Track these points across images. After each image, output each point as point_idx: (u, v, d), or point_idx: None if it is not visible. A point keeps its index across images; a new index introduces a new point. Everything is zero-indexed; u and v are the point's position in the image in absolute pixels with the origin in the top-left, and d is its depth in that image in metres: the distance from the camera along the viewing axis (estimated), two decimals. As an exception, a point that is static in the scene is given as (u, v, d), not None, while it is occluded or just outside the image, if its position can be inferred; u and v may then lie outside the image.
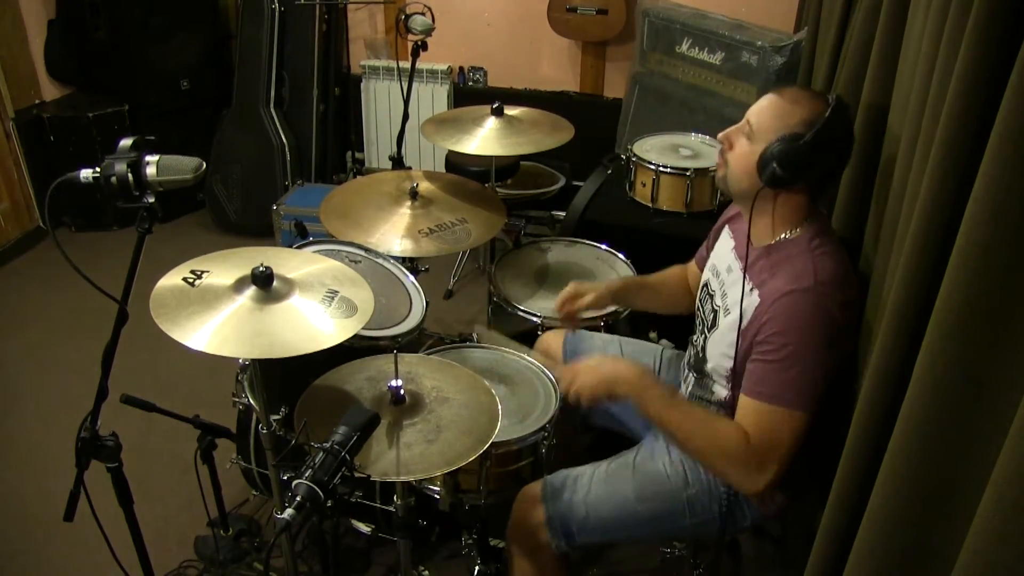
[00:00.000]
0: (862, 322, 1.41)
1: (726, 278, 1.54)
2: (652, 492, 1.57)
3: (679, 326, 1.87)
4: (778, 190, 1.39)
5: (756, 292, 1.41)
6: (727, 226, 1.65)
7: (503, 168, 3.20)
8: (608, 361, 1.52)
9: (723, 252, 1.61)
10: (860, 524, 1.10)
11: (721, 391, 1.52)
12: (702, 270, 1.72)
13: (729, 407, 1.48)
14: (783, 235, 1.43)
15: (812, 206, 1.43)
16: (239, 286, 1.43)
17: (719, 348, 1.48)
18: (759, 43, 2.87)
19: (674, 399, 1.45)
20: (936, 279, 0.97)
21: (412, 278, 2.14)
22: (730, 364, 1.46)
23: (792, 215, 1.43)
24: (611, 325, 2.05)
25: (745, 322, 1.40)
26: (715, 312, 1.54)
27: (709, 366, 1.53)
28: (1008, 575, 0.75)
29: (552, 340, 1.97)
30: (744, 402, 1.38)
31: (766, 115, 1.40)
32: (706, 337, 1.56)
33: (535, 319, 2.06)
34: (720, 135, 1.50)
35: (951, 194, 0.98)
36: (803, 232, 1.42)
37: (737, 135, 1.45)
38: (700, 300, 1.65)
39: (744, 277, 1.45)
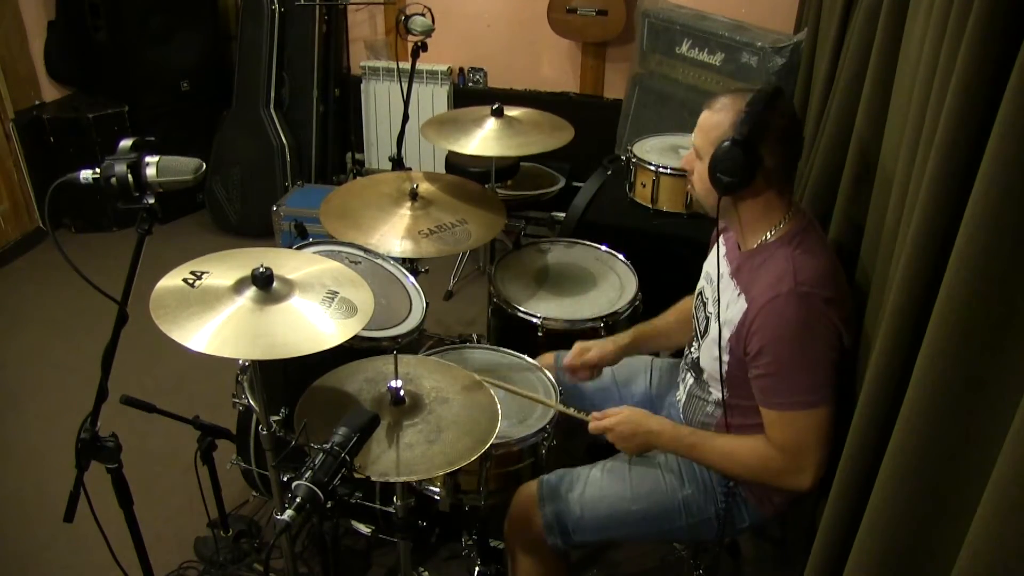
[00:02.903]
0: (862, 322, 1.41)
1: (718, 285, 1.55)
2: (647, 492, 1.58)
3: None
4: (739, 194, 1.42)
5: (743, 297, 1.42)
6: (722, 235, 1.67)
7: (503, 169, 3.20)
8: (640, 420, 1.55)
9: (716, 259, 1.62)
10: (860, 524, 1.10)
11: (717, 393, 1.54)
12: None
13: (724, 407, 1.52)
14: (765, 235, 1.45)
15: (785, 200, 1.44)
16: (239, 287, 1.42)
17: (711, 353, 1.50)
18: (759, 44, 2.87)
19: (703, 443, 1.51)
20: (936, 280, 0.97)
21: (412, 279, 2.14)
22: (723, 369, 1.48)
23: (768, 214, 1.44)
24: (611, 326, 2.05)
25: (734, 326, 1.42)
26: (707, 319, 1.56)
27: (704, 373, 1.56)
28: (1008, 575, 0.75)
29: (546, 356, 1.97)
30: (767, 415, 1.42)
31: (702, 132, 1.45)
32: (699, 344, 1.59)
33: (535, 320, 2.06)
34: (680, 163, 1.58)
35: (951, 195, 0.98)
36: (784, 230, 1.43)
37: (692, 160, 1.50)
38: (695, 307, 1.67)
39: (731, 282, 1.48)
